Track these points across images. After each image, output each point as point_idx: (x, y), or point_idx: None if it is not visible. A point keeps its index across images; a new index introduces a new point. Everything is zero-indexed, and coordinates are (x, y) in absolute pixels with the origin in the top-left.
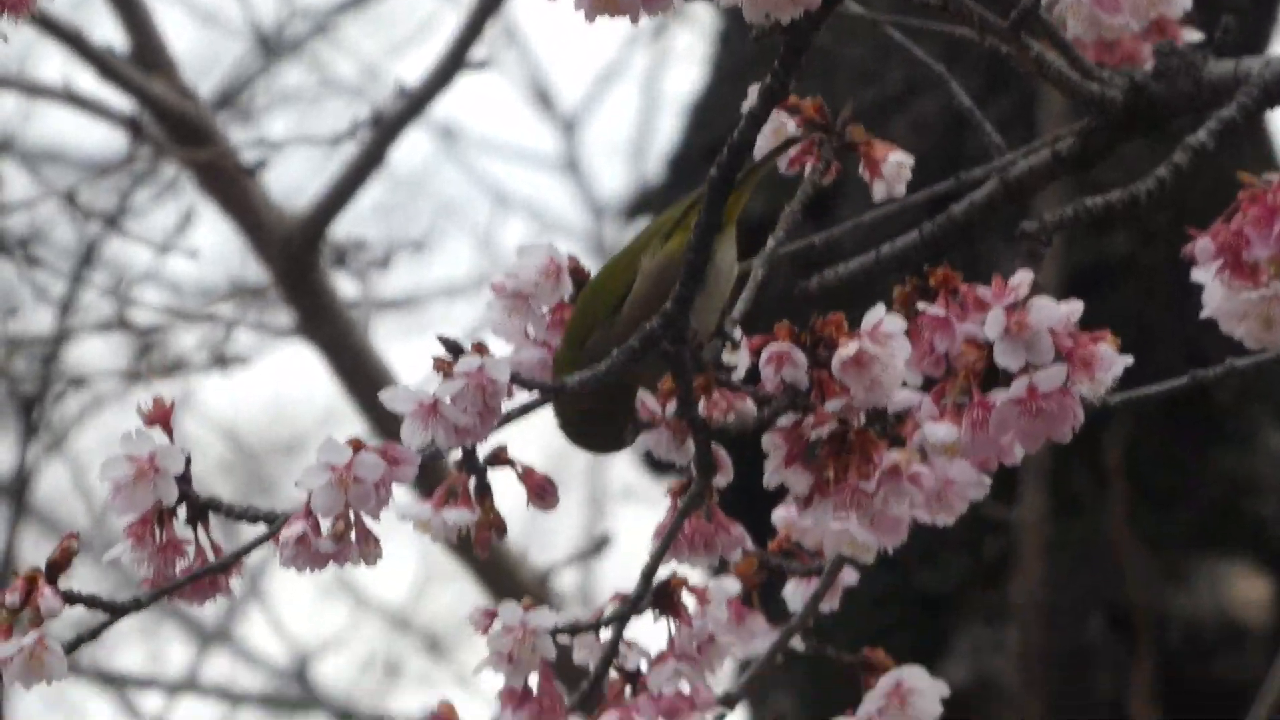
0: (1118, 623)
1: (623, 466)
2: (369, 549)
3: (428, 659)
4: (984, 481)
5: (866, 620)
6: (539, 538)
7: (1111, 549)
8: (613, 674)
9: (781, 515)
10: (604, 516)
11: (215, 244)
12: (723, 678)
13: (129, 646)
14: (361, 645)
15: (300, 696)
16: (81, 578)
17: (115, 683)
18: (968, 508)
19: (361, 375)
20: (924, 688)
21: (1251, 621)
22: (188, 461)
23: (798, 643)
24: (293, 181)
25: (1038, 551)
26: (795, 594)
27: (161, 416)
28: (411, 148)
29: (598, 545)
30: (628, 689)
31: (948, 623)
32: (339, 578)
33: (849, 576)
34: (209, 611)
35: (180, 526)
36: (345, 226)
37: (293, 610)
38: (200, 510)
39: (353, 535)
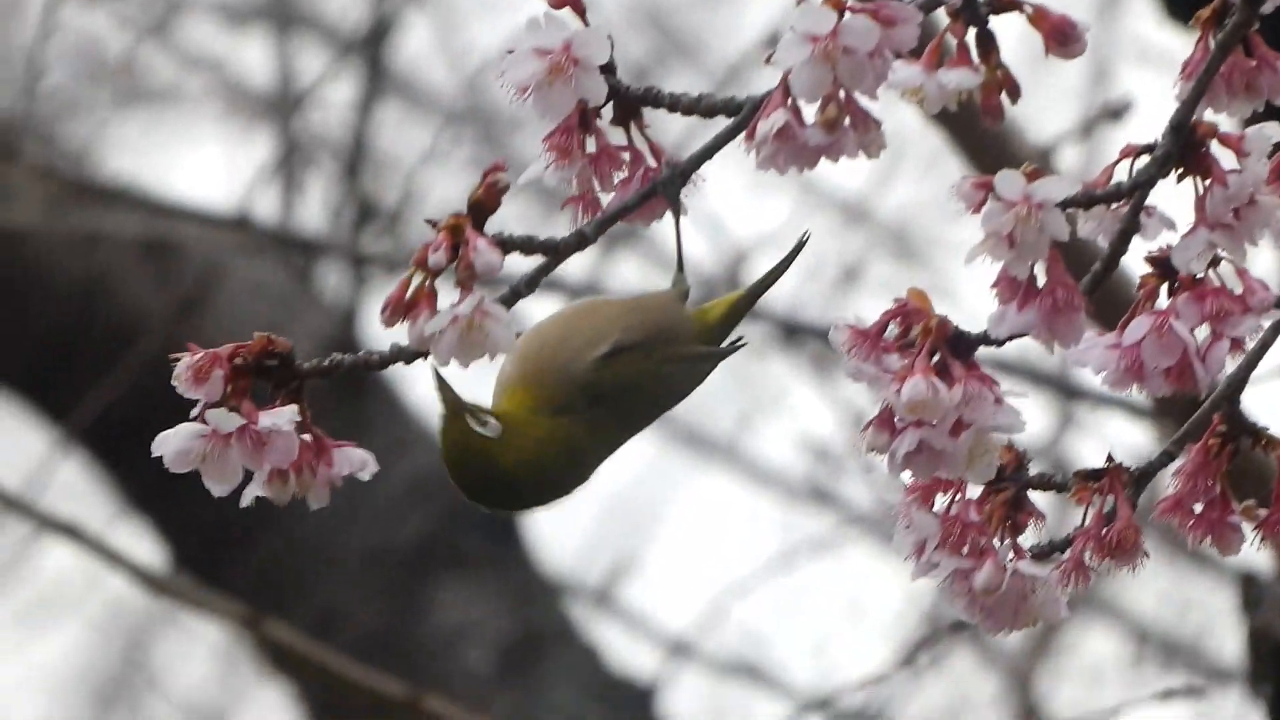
0: None
1: (1138, 18)
2: (869, 135)
3: (892, 262)
4: None
5: None
6: (1027, 118)
7: None
8: (1145, 268)
9: None
10: (1113, 87)
11: None
12: None
13: None
14: (811, 246)
15: None
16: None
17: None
18: None
19: None
20: None
21: None
22: (612, 46)
23: None
24: None
25: None
26: None
27: None
28: None
29: (1114, 112)
30: (1163, 287)
31: None
32: None
33: None
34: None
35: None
36: None
37: (723, 204)
38: (632, 106)
39: (846, 121)
